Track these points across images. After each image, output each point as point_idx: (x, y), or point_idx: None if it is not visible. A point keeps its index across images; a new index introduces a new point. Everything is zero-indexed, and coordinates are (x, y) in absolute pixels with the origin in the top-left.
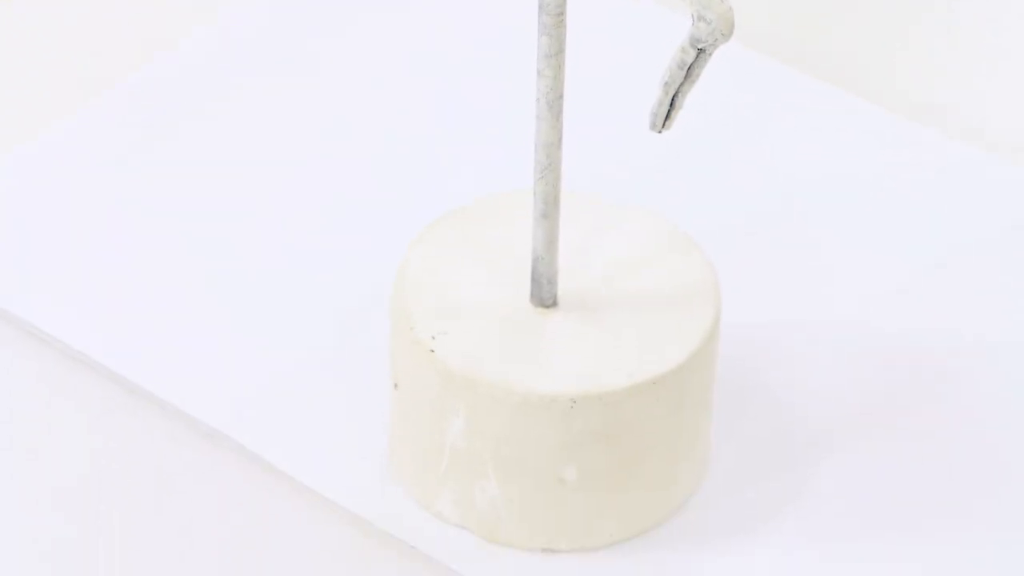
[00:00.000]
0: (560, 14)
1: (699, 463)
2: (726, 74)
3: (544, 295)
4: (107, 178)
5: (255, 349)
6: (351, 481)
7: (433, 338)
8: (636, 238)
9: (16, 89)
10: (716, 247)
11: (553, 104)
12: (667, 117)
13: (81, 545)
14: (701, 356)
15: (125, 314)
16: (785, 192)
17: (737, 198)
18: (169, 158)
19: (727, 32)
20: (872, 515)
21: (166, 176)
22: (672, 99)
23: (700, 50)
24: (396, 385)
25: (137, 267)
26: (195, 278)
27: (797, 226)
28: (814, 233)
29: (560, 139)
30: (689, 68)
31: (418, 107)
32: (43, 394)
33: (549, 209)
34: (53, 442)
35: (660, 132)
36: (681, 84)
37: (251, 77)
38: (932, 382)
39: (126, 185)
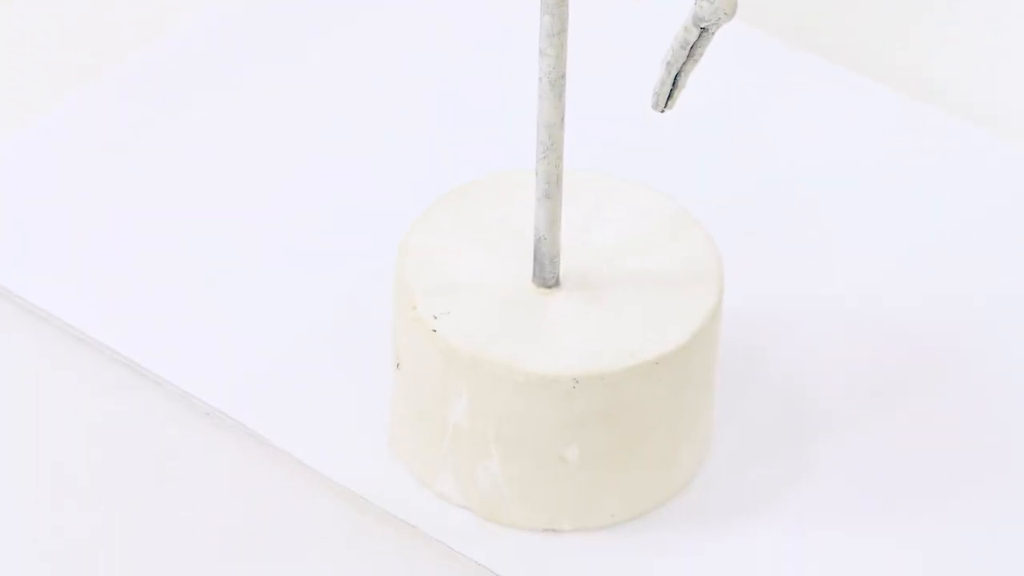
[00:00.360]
0: None
1: (701, 444)
2: (729, 52)
3: (546, 275)
4: (107, 159)
5: (256, 328)
6: (353, 461)
7: (435, 317)
8: (639, 217)
9: (16, 69)
10: (719, 226)
11: (555, 83)
12: (669, 96)
13: (81, 524)
14: (703, 336)
15: (124, 292)
16: (788, 171)
17: (740, 177)
18: (169, 139)
19: (730, 11)
20: (874, 496)
21: (166, 158)
22: (675, 78)
23: (703, 29)
24: (398, 365)
25: (137, 246)
26: (196, 258)
27: (800, 206)
28: (817, 213)
29: (562, 119)
30: (692, 47)
31: (418, 106)
32: (42, 372)
33: (551, 189)
34: (52, 421)
35: (662, 111)
36: (684, 63)
37: (252, 71)
38: (935, 363)
39: (126, 166)
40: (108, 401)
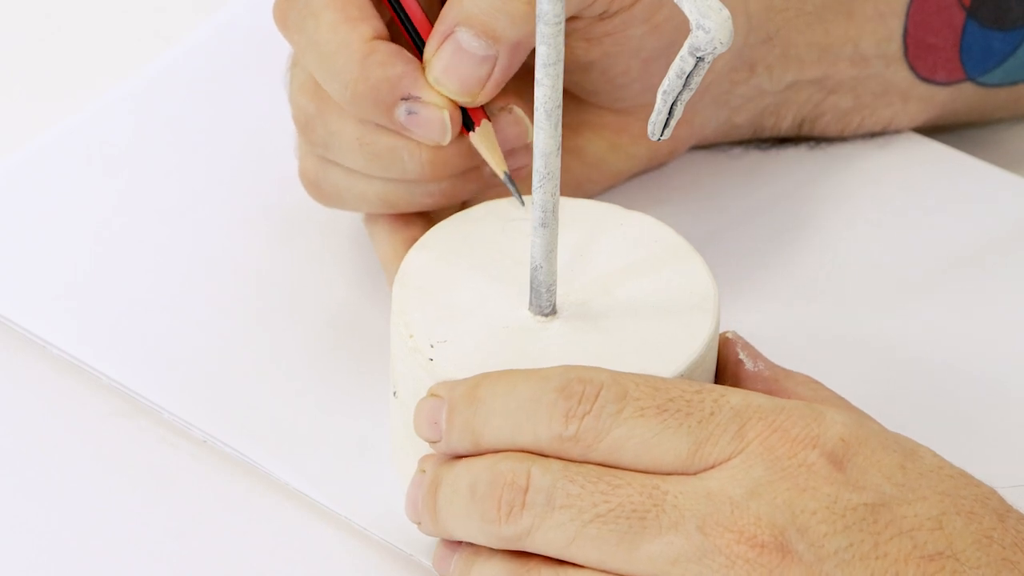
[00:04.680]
0: (558, 23)
1: None
2: None
3: (543, 303)
4: (103, 183)
5: (253, 356)
6: (351, 489)
7: (432, 346)
8: (635, 245)
9: (12, 93)
10: (716, 255)
11: (551, 113)
12: (665, 125)
13: (75, 550)
14: (700, 365)
15: (120, 319)
16: (787, 200)
17: (737, 206)
18: (166, 163)
19: (726, 41)
20: None
21: (163, 182)
22: (671, 107)
23: (699, 59)
24: (395, 393)
25: (132, 273)
26: (191, 284)
27: (798, 235)
28: (815, 243)
29: (558, 148)
30: (688, 76)
31: None
32: (37, 399)
33: (548, 218)
34: (47, 448)
35: (659, 139)
36: (680, 92)
37: (250, 80)
38: (935, 389)
39: (122, 190)
40: (102, 427)
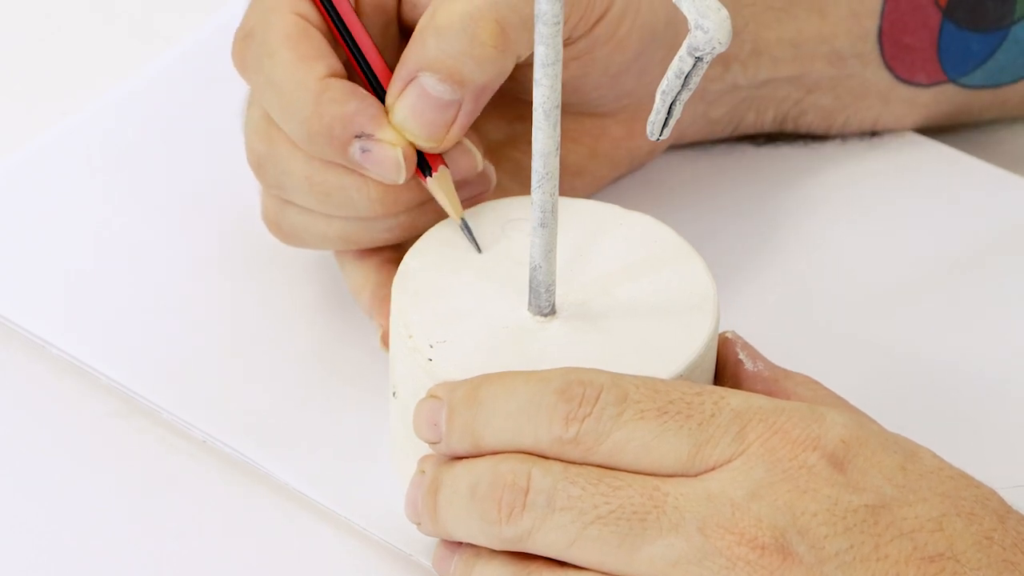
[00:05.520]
0: (557, 24)
1: None
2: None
3: (542, 304)
4: (103, 183)
5: (253, 355)
6: (351, 489)
7: (431, 347)
8: (634, 245)
9: (12, 93)
10: (714, 255)
11: (550, 113)
12: (664, 124)
13: (74, 550)
14: (699, 365)
15: (119, 319)
16: (785, 200)
17: (736, 207)
18: (167, 163)
19: (724, 41)
20: None
21: (163, 182)
22: (670, 107)
23: (697, 59)
24: (395, 393)
25: (132, 273)
26: (191, 284)
27: (797, 235)
28: (814, 243)
29: (557, 148)
30: (686, 77)
31: None
32: (37, 399)
33: (547, 218)
34: (46, 448)
35: (658, 139)
36: (678, 92)
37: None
38: (935, 389)
39: (122, 190)
40: (101, 427)
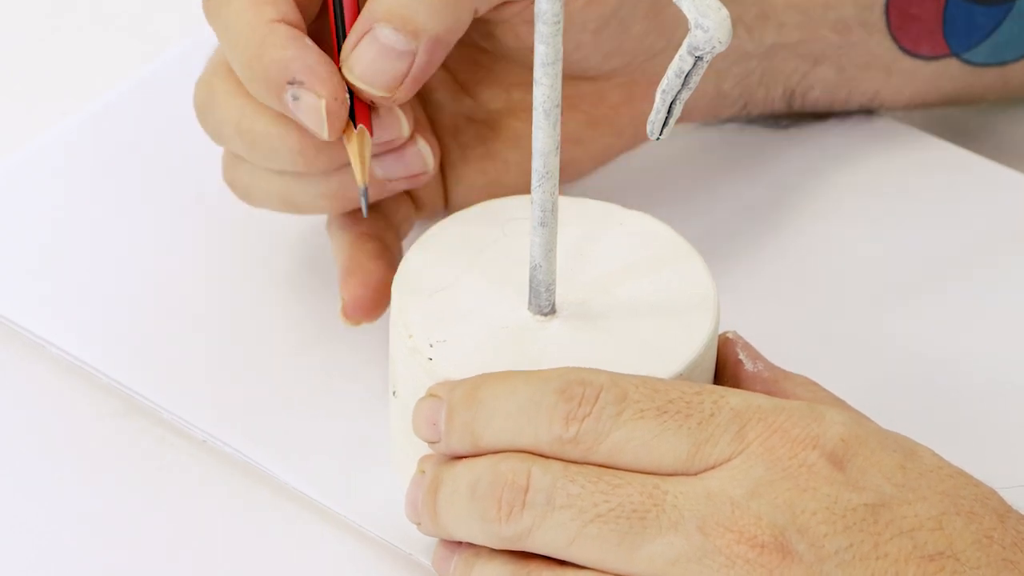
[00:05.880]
0: (557, 23)
1: None
2: None
3: (542, 303)
4: (103, 183)
5: (253, 355)
6: (351, 489)
7: (431, 346)
8: (635, 245)
9: (12, 93)
10: (715, 254)
11: (550, 112)
12: (664, 124)
13: (74, 550)
14: (699, 365)
15: (119, 319)
16: (785, 199)
17: (736, 205)
18: (166, 163)
19: (724, 40)
20: None
21: (163, 182)
22: (670, 106)
23: (697, 58)
24: (395, 392)
25: (132, 273)
26: (192, 284)
27: (797, 234)
28: (814, 242)
29: (557, 147)
30: (686, 76)
31: None
32: (37, 399)
33: (547, 217)
34: (46, 448)
35: (658, 139)
36: (679, 91)
37: None
38: (934, 389)
39: (122, 190)
40: (101, 427)
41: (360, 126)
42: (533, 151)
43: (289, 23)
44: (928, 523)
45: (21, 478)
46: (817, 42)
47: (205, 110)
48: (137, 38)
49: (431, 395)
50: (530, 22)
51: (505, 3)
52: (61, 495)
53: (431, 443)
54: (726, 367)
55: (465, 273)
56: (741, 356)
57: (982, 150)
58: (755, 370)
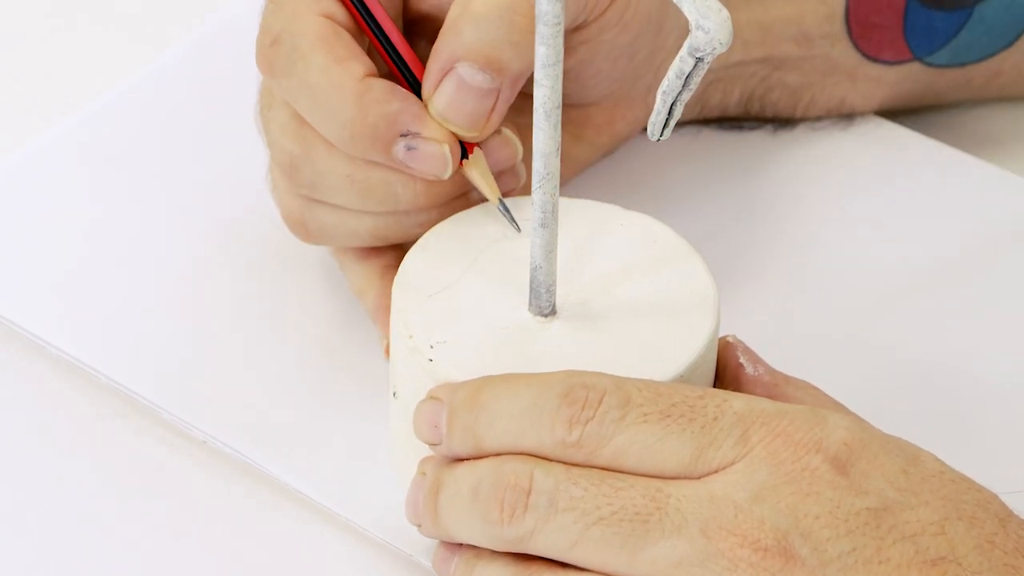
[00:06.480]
0: (558, 24)
1: None
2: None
3: (542, 304)
4: (103, 183)
5: (253, 356)
6: (351, 489)
7: (431, 347)
8: (635, 245)
9: (12, 93)
10: (715, 255)
11: (551, 114)
12: (665, 125)
13: (75, 550)
14: (699, 365)
15: (119, 319)
16: (786, 200)
17: (736, 206)
18: (166, 163)
19: (725, 41)
20: None
21: (163, 182)
22: (671, 107)
23: (698, 59)
24: (395, 393)
25: (132, 273)
26: (191, 284)
27: (797, 235)
28: (815, 243)
29: (558, 148)
30: (687, 77)
31: None
32: (37, 399)
33: (547, 218)
34: (46, 448)
35: (659, 139)
36: (679, 93)
37: (250, 80)
38: (936, 392)
39: (122, 190)
40: (101, 428)
41: (476, 148)
42: (534, 152)
43: (375, 75)
44: (930, 528)
45: (21, 478)
46: (779, 55)
47: (300, 165)
48: (137, 38)
49: (432, 397)
50: (566, 49)
51: (578, 28)
52: (61, 495)
53: (432, 445)
54: (727, 371)
55: (465, 274)
56: (742, 360)
57: (981, 151)
58: (756, 374)
